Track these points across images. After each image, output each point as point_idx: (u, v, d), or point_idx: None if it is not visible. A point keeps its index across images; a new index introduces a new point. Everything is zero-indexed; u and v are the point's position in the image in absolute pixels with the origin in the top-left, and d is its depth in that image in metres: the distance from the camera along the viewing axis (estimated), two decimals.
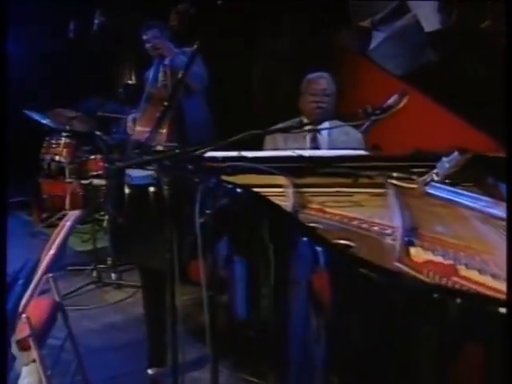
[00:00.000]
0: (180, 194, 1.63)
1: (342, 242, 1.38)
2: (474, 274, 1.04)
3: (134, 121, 3.97)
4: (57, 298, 2.26)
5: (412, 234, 1.38)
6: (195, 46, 2.47)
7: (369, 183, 2.26)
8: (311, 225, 1.56)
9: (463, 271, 1.07)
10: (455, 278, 1.03)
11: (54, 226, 5.28)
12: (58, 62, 6.25)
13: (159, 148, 2.31)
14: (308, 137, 3.02)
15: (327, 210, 1.74)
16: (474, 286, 1.00)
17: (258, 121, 5.70)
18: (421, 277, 1.04)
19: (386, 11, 3.04)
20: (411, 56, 2.94)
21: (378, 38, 2.86)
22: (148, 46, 3.98)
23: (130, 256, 1.97)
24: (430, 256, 1.18)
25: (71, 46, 6.28)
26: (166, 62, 3.95)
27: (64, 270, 3.96)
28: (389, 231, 1.46)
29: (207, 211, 1.28)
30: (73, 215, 2.14)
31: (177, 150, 1.66)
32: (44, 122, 5.53)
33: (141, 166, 1.68)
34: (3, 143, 1.81)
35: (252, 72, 6.00)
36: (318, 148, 2.99)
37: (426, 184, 1.69)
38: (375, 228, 1.49)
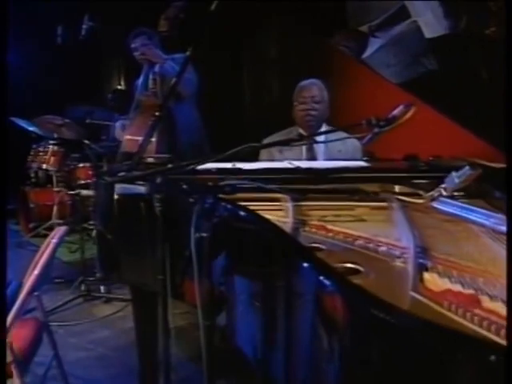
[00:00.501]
0: (173, 212, 1.54)
1: (349, 265, 1.28)
2: (498, 306, 0.95)
3: (123, 128, 3.87)
4: (42, 318, 2.14)
5: (423, 256, 1.28)
6: (188, 52, 2.37)
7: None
8: (313, 245, 1.45)
9: (486, 302, 0.97)
10: (478, 311, 0.94)
11: (42, 236, 5.24)
12: (45, 68, 6.13)
13: (150, 160, 2.20)
14: (304, 146, 2.93)
15: (329, 226, 1.64)
16: (500, 321, 0.90)
17: (249, 126, 5.63)
18: (441, 310, 0.95)
19: (383, 17, 2.96)
20: (408, 64, 2.86)
21: (374, 44, 2.78)
22: (136, 54, 3.89)
23: (119, 275, 1.85)
24: (447, 284, 1.08)
25: (59, 51, 6.18)
26: (156, 69, 3.85)
27: (51, 283, 3.85)
28: (397, 252, 1.36)
29: (203, 234, 1.17)
30: (59, 231, 2.02)
31: (169, 165, 1.56)
32: (31, 129, 5.41)
33: (131, 181, 1.57)
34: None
35: (242, 77, 5.92)
36: (314, 158, 2.91)
37: (434, 199, 1.60)
38: (382, 248, 1.39)
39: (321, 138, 2.95)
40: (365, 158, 2.50)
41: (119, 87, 6.39)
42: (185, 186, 1.15)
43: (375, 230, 1.62)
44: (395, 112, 1.58)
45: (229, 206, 1.24)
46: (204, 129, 4.05)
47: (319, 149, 2.93)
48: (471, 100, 2.84)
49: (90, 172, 5.56)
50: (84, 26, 5.70)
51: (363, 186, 2.14)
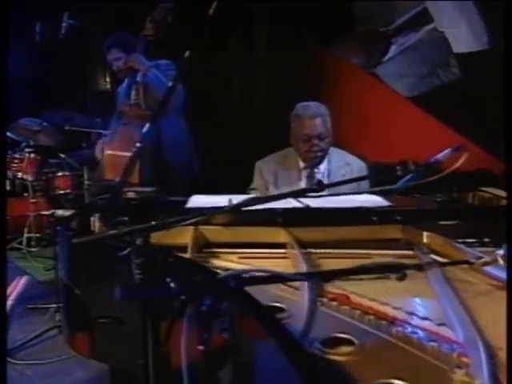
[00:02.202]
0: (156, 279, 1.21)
1: (395, 382, 0.94)
2: None
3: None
4: None
5: (495, 365, 0.96)
6: (185, 57, 2.05)
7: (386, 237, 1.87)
8: (341, 335, 1.13)
9: None
10: None
11: (14, 249, 4.89)
12: (22, 68, 5.73)
13: (131, 194, 1.86)
14: (304, 174, 2.61)
15: (353, 298, 1.31)
16: None
17: (238, 127, 5.30)
18: None
19: (398, 22, 2.63)
20: (423, 76, 2.54)
21: (388, 53, 2.45)
22: (114, 67, 3.56)
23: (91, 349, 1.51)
24: None
25: (37, 50, 5.80)
26: (138, 78, 3.52)
27: (23, 307, 3.50)
28: (448, 349, 1.03)
29: (199, 346, 0.84)
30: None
31: (153, 222, 1.22)
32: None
33: (104, 240, 1.23)
34: None
35: (230, 77, 5.61)
36: (314, 184, 2.58)
37: (485, 265, 1.28)
38: (432, 343, 1.07)
39: (323, 163, 2.64)
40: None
41: (102, 89, 6.01)
42: (172, 284, 0.82)
43: (406, 301, 1.30)
44: (440, 156, 1.25)
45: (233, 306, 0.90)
46: (192, 142, 3.72)
47: (321, 176, 2.61)
48: (485, 118, 2.57)
49: (70, 181, 5.23)
50: (64, 25, 5.33)
51: (381, 231, 1.84)
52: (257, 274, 0.88)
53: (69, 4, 5.20)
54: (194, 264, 1.32)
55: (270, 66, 5.25)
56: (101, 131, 4.82)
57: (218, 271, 1.51)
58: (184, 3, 3.50)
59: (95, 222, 1.63)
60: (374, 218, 1.82)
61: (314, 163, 2.60)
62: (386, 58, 2.47)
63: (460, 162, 1.18)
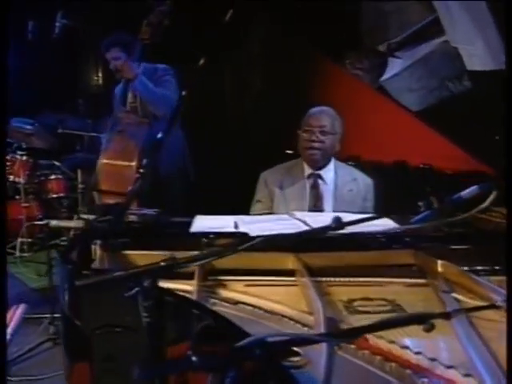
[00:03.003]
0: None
1: None
2: None
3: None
4: None
5: None
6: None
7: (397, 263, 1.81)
8: None
9: None
10: None
11: (8, 254, 4.78)
12: (13, 68, 5.60)
13: (132, 217, 1.78)
14: (308, 183, 2.54)
15: (371, 339, 1.24)
16: None
17: (232, 126, 5.23)
18: None
19: (407, 33, 2.54)
20: (433, 89, 2.47)
21: (394, 66, 2.38)
22: (111, 65, 3.46)
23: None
24: None
25: (29, 50, 5.69)
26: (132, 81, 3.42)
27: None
28: None
29: None
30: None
31: (162, 263, 1.14)
32: None
33: (107, 283, 1.16)
34: None
35: (223, 76, 5.54)
36: (320, 197, 2.52)
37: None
38: None
39: (329, 176, 2.57)
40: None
41: (95, 90, 5.91)
42: (194, 358, 0.74)
43: (429, 344, 1.23)
44: (464, 193, 1.18)
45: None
46: (188, 149, 3.63)
47: (326, 187, 2.54)
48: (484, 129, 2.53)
49: (63, 185, 5.14)
50: (57, 24, 5.22)
51: (392, 256, 1.78)
52: (281, 337, 0.81)
53: (62, 3, 5.07)
54: (205, 309, 1.25)
55: (264, 65, 5.18)
56: (94, 134, 4.75)
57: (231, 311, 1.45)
58: (181, 6, 3.41)
59: (96, 250, 1.56)
60: (384, 241, 1.75)
61: (313, 159, 2.52)
62: (393, 72, 2.39)
63: (488, 203, 1.12)
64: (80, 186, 4.95)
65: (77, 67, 6.05)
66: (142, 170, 1.75)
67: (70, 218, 5.16)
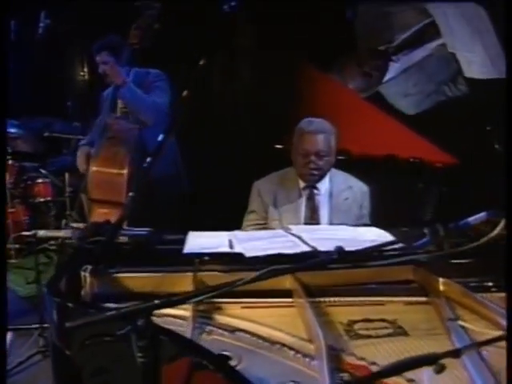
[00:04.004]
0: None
1: None
2: None
3: (88, 156, 3.35)
4: None
5: None
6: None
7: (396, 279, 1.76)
8: None
9: None
10: None
11: None
12: None
13: (123, 239, 1.71)
14: (303, 195, 2.49)
15: (374, 370, 1.19)
16: None
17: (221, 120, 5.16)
18: None
19: (402, 37, 2.48)
20: (429, 94, 2.42)
21: (391, 69, 2.33)
22: (100, 70, 3.38)
23: None
24: None
25: (12, 51, 5.56)
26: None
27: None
28: None
29: None
30: None
31: (156, 301, 1.09)
32: None
33: (99, 323, 1.10)
34: None
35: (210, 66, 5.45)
36: (316, 209, 2.47)
37: None
38: None
39: (325, 185, 2.52)
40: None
41: (81, 93, 5.80)
42: None
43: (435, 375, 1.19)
44: (472, 219, 1.14)
45: None
46: (180, 155, 3.56)
47: (322, 198, 2.50)
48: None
49: (50, 188, 5.06)
50: (41, 25, 5.13)
51: (391, 272, 1.73)
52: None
53: (47, 3, 4.97)
54: (200, 348, 1.19)
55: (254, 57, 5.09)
56: (80, 137, 4.67)
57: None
58: (170, 11, 3.33)
59: (86, 278, 1.50)
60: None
61: (309, 181, 2.49)
62: (389, 76, 2.34)
63: (497, 231, 1.07)
64: (68, 189, 4.89)
65: (63, 68, 5.93)
66: (131, 194, 1.66)
67: (58, 222, 5.10)
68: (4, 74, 2.42)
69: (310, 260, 1.17)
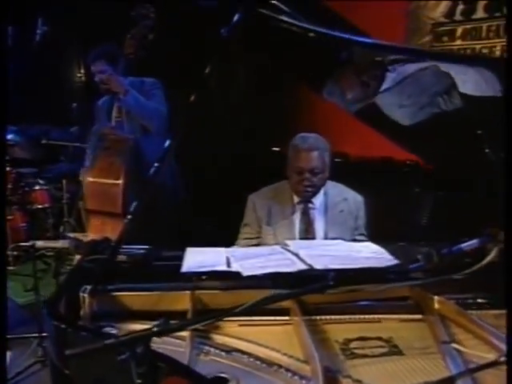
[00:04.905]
0: None
1: None
2: None
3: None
4: None
5: None
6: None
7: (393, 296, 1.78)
8: None
9: None
10: None
11: None
12: None
13: (121, 258, 1.73)
14: (299, 209, 2.51)
15: None
16: None
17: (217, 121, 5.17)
18: None
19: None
20: (423, 106, 2.44)
21: (387, 81, 2.33)
22: (96, 79, 3.39)
23: None
24: None
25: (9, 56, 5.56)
26: (121, 96, 3.35)
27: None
28: None
29: None
30: None
31: (155, 329, 1.11)
32: None
33: (96, 352, 1.12)
34: None
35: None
36: (311, 223, 2.49)
37: None
38: None
39: (319, 199, 2.54)
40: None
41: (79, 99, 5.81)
42: None
43: None
44: (465, 245, 1.16)
45: None
46: (176, 163, 3.57)
47: (317, 211, 2.51)
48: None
49: (48, 195, 5.08)
50: (38, 31, 5.13)
51: (387, 289, 1.75)
52: None
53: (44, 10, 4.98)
54: (198, 375, 1.21)
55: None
56: (78, 144, 4.68)
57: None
58: (164, 21, 3.34)
59: (85, 299, 1.51)
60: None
61: (304, 197, 2.50)
62: (385, 87, 2.34)
63: (490, 258, 1.09)
64: (65, 195, 4.91)
65: (60, 75, 5.94)
66: (130, 216, 1.67)
67: (56, 229, 5.12)
68: (4, 81, 2.43)
69: (307, 287, 1.19)
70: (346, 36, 1.61)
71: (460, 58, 2.52)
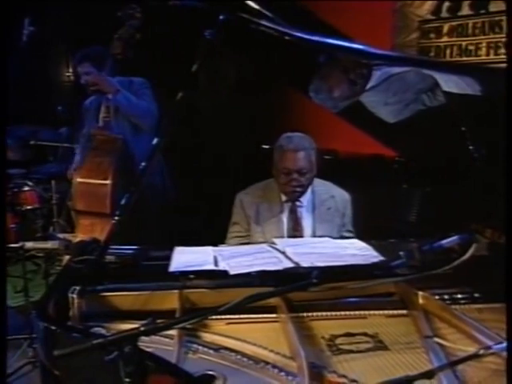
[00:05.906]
0: None
1: None
2: None
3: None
4: None
5: None
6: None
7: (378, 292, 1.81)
8: None
9: None
10: None
11: None
12: None
13: (111, 258, 1.75)
14: (287, 207, 2.53)
15: None
16: None
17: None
18: None
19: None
20: (408, 103, 2.47)
21: (373, 79, 2.35)
22: (82, 81, 3.39)
23: None
24: None
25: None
26: (110, 96, 3.35)
27: None
28: None
29: None
30: None
31: (142, 328, 1.12)
32: None
33: (84, 352, 1.13)
34: None
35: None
36: (299, 220, 2.51)
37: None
38: None
39: (307, 196, 2.56)
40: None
41: (67, 100, 5.80)
42: None
43: None
44: (445, 242, 1.19)
45: None
46: (164, 163, 3.58)
47: (304, 209, 2.54)
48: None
49: (37, 196, 5.06)
50: (25, 32, 5.10)
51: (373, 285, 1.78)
52: None
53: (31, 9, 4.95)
54: (186, 373, 1.23)
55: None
56: (67, 145, 4.68)
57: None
58: (151, 21, 3.34)
59: (74, 300, 1.52)
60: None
61: (292, 197, 2.53)
62: (371, 85, 2.37)
63: (468, 255, 1.12)
64: (54, 196, 4.89)
65: (48, 75, 5.93)
66: (117, 218, 1.69)
67: (46, 230, 5.11)
68: (4, 76, 2.43)
69: (292, 284, 1.21)
70: (325, 41, 1.63)
71: (441, 65, 2.55)
